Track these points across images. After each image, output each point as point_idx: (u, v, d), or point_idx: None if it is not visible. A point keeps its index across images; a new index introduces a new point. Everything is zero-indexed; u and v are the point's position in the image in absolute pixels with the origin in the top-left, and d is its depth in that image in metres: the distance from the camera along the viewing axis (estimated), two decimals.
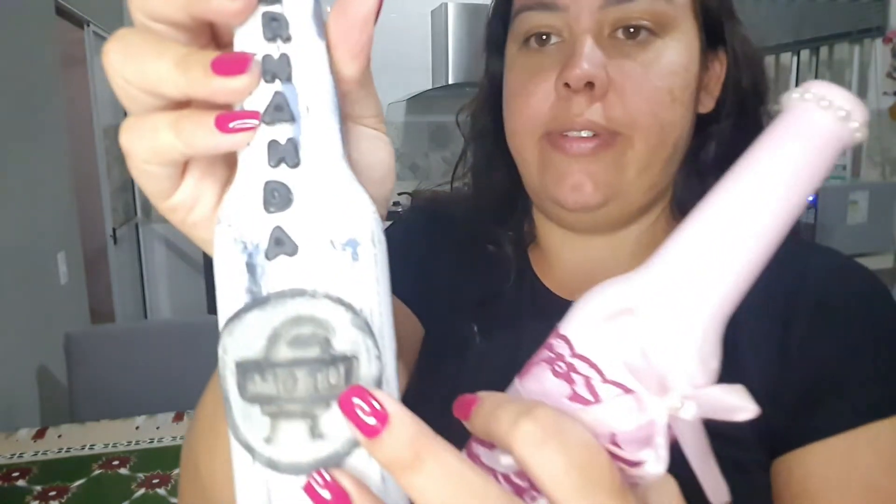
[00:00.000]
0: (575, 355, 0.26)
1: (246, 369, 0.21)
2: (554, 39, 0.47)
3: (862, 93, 2.82)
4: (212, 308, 3.37)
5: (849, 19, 2.75)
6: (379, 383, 0.22)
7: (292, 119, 0.22)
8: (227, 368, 0.22)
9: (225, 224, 0.22)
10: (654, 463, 0.24)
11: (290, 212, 0.21)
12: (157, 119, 0.22)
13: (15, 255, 1.88)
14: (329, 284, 0.21)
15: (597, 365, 0.25)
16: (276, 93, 0.21)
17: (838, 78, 2.99)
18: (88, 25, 2.80)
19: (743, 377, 0.40)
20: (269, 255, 0.21)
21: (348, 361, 0.21)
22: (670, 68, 0.45)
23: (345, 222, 0.22)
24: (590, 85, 0.44)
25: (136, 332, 1.80)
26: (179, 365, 1.64)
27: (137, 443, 1.30)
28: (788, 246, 0.44)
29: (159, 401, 1.46)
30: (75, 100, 2.70)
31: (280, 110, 0.22)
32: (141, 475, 1.18)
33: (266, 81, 0.22)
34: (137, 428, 1.36)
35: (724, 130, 0.48)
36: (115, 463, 1.23)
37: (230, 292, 0.22)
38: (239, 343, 0.21)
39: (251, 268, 0.21)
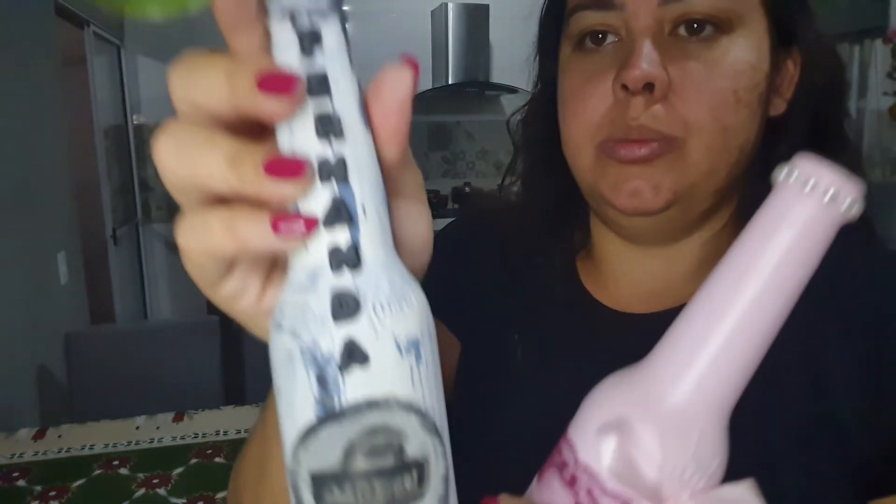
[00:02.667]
0: (578, 463, 0.27)
1: (323, 482, 0.21)
2: (610, 39, 0.44)
3: (862, 93, 2.82)
4: (212, 308, 3.37)
5: (849, 19, 2.75)
6: (447, 479, 0.22)
7: (351, 220, 0.21)
8: (302, 479, 0.21)
9: (288, 333, 0.21)
10: None
11: (359, 320, 0.21)
12: (210, 218, 0.22)
13: (15, 256, 1.88)
14: (399, 391, 0.21)
15: (597, 476, 0.26)
16: (334, 195, 0.21)
17: None
18: (88, 25, 2.80)
19: (831, 411, 0.39)
20: (341, 367, 0.21)
21: (420, 466, 0.22)
22: (736, 67, 0.41)
23: (408, 324, 0.21)
24: (649, 86, 0.41)
25: (136, 332, 1.80)
26: (179, 365, 1.64)
27: (137, 443, 1.30)
28: (866, 257, 0.42)
29: (159, 401, 1.46)
30: (75, 100, 2.70)
31: (338, 213, 0.21)
32: (141, 475, 1.18)
33: (322, 181, 0.21)
34: (137, 428, 1.36)
35: (796, 134, 0.45)
36: (115, 463, 1.23)
37: (300, 403, 0.21)
38: (315, 456, 0.21)
39: (322, 380, 0.21)
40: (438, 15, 3.52)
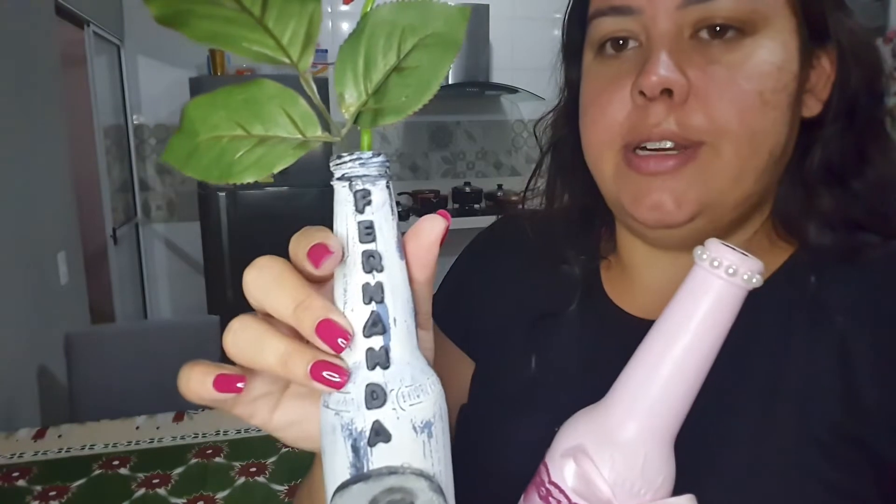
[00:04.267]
0: (550, 482, 0.34)
1: None
2: (631, 44, 0.44)
3: None
4: (212, 308, 3.37)
5: None
6: None
7: (384, 331, 0.28)
8: None
9: (333, 411, 0.28)
10: None
11: (386, 407, 0.27)
12: (272, 342, 0.29)
13: (15, 255, 1.88)
14: (413, 461, 0.28)
15: (564, 492, 0.33)
16: (373, 311, 0.28)
17: None
18: (88, 25, 2.80)
19: (860, 427, 0.38)
20: (370, 443, 0.27)
21: None
22: (761, 69, 0.40)
23: (423, 410, 0.28)
24: (667, 92, 0.41)
25: (136, 332, 1.80)
26: (179, 365, 1.63)
27: (137, 443, 1.30)
28: None
29: (159, 401, 1.46)
30: (75, 100, 2.70)
31: (375, 325, 0.28)
32: (141, 475, 1.18)
33: (364, 303, 0.28)
34: (137, 428, 1.36)
35: (832, 135, 0.44)
36: (115, 463, 1.23)
37: (339, 464, 0.28)
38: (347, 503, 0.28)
39: (356, 450, 0.28)
40: None
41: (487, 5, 3.45)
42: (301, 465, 1.22)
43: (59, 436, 1.34)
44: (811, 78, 0.44)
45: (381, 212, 0.29)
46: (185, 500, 1.11)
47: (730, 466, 0.41)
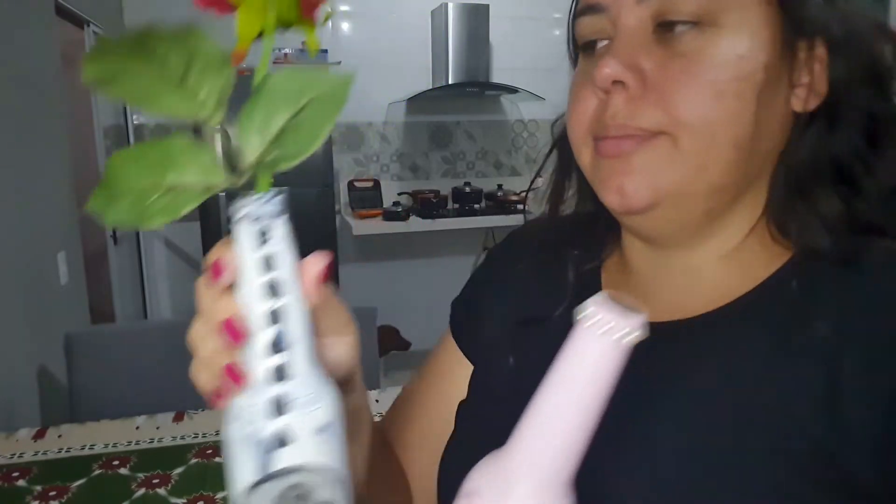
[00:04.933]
0: None
1: None
2: (604, 42, 0.45)
3: None
4: None
5: None
6: None
7: (285, 348, 0.32)
8: None
9: (240, 423, 0.32)
10: None
11: (288, 415, 0.31)
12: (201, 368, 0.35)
13: (15, 255, 1.88)
14: (312, 460, 0.31)
15: None
16: (274, 333, 0.31)
17: None
18: (88, 25, 2.80)
19: (846, 438, 0.36)
20: (278, 446, 0.31)
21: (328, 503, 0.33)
22: (718, 60, 0.40)
23: (323, 415, 0.32)
24: (621, 84, 0.42)
25: (136, 332, 1.80)
26: (179, 365, 1.63)
27: (137, 443, 1.30)
28: None
29: (159, 401, 1.46)
30: (75, 100, 2.70)
31: (277, 344, 0.31)
32: (141, 475, 1.18)
33: (268, 325, 0.32)
34: (137, 428, 1.36)
35: (823, 131, 0.42)
36: (115, 463, 1.23)
37: (247, 468, 0.31)
38: (258, 502, 0.31)
39: (263, 455, 0.31)
40: (438, 15, 3.52)
41: (487, 5, 3.45)
42: None
43: (59, 436, 1.34)
44: (801, 70, 0.42)
45: (281, 244, 0.33)
46: (185, 500, 1.11)
47: (702, 474, 0.40)
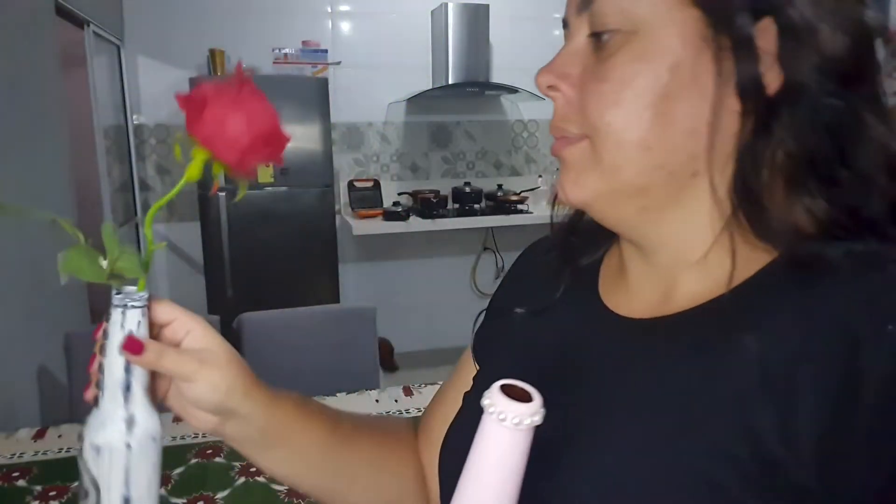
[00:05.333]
0: None
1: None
2: None
3: None
4: (212, 308, 3.37)
5: None
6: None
7: (129, 390, 0.49)
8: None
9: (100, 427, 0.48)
10: None
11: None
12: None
13: (15, 255, 1.88)
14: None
15: None
16: (123, 377, 0.49)
17: None
18: (88, 25, 2.80)
19: (788, 442, 0.36)
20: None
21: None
22: (626, 67, 0.41)
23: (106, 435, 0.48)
24: (559, 91, 0.45)
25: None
26: None
27: None
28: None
29: (159, 401, 1.46)
30: (75, 100, 2.70)
31: (128, 390, 0.49)
32: None
33: (121, 376, 0.49)
34: None
35: (786, 124, 0.40)
36: None
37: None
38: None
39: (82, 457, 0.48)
40: (438, 15, 3.52)
41: (487, 5, 3.45)
42: None
43: (59, 436, 1.34)
44: (747, 63, 0.40)
45: (141, 330, 0.50)
46: (185, 500, 1.11)
47: (639, 469, 0.41)
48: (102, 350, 0.48)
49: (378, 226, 3.40)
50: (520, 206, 3.52)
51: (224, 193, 3.26)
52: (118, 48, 3.39)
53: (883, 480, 0.34)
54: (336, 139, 3.70)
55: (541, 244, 0.66)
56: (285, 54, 3.46)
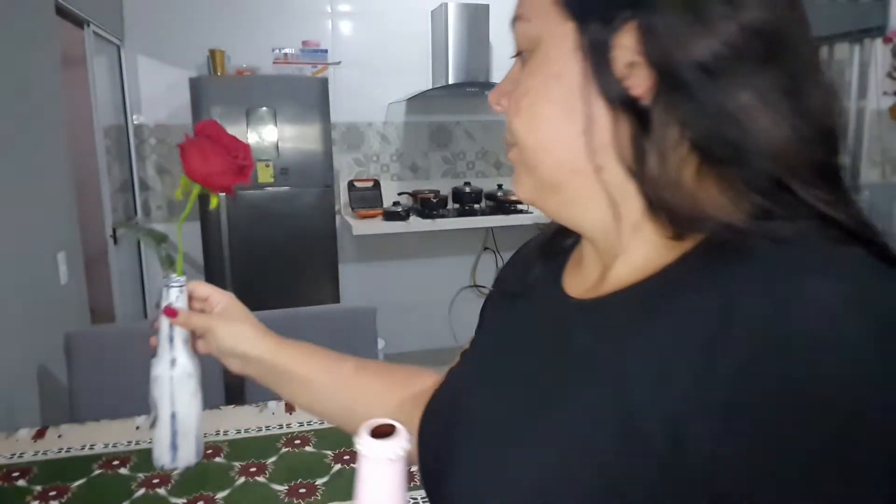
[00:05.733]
0: None
1: None
2: None
3: (862, 93, 2.81)
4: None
5: (849, 19, 2.75)
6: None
7: (172, 339, 0.76)
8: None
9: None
10: None
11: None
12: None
13: (15, 255, 1.88)
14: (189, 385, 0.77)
15: None
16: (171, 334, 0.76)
17: (838, 77, 2.99)
18: (88, 25, 2.80)
19: (681, 443, 0.37)
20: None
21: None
22: (526, 82, 0.47)
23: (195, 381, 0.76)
24: (500, 105, 0.51)
25: (136, 332, 1.79)
26: None
27: (137, 443, 1.30)
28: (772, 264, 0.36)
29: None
30: (75, 100, 2.70)
31: (172, 340, 0.76)
32: (141, 475, 1.18)
33: (169, 332, 0.76)
34: (137, 428, 1.36)
35: (661, 117, 0.41)
36: (115, 463, 1.23)
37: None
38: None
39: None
40: (438, 15, 3.52)
41: (487, 5, 3.45)
42: (301, 465, 1.22)
43: (59, 436, 1.34)
44: (625, 67, 0.41)
45: (179, 302, 0.74)
46: (185, 500, 1.11)
47: (543, 434, 0.45)
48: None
49: (378, 226, 3.40)
50: (520, 206, 3.52)
51: (224, 194, 3.25)
52: (118, 48, 3.39)
53: (735, 460, 0.34)
54: (336, 139, 3.70)
55: (522, 250, 0.70)
56: (285, 54, 3.46)
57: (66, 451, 1.28)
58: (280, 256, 3.31)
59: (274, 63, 3.45)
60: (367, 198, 3.65)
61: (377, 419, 0.46)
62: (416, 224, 3.40)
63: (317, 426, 1.37)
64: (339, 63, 3.58)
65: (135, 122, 3.55)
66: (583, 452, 0.41)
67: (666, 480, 0.37)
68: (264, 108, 3.21)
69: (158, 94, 3.53)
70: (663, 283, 0.42)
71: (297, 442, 1.31)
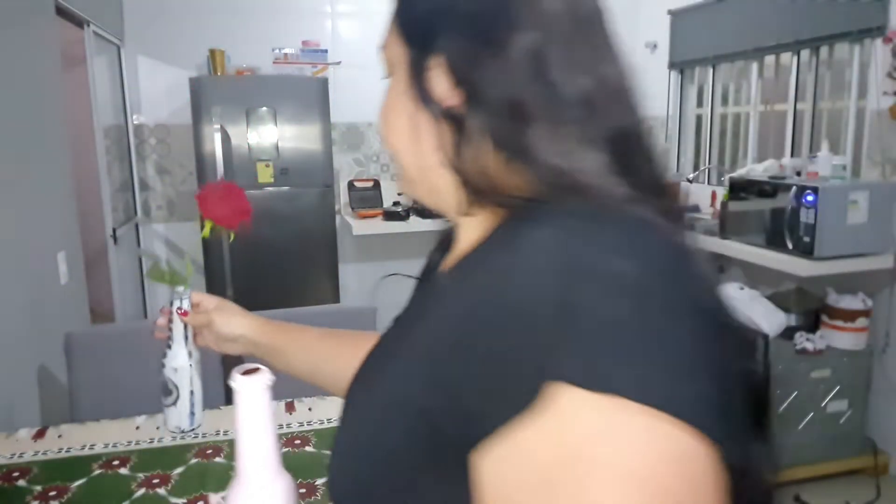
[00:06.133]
0: None
1: None
2: None
3: (862, 93, 2.81)
4: None
5: (849, 19, 2.75)
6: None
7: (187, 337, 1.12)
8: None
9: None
10: None
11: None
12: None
13: (15, 255, 1.88)
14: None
15: None
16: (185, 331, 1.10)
17: (838, 77, 2.99)
18: (88, 25, 2.80)
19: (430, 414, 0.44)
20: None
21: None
22: (385, 100, 0.56)
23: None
24: None
25: (136, 332, 1.79)
26: None
27: (137, 443, 1.30)
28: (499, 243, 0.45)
29: (159, 401, 1.46)
30: (75, 100, 2.70)
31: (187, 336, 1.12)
32: (141, 475, 1.18)
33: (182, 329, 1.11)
34: (137, 428, 1.36)
35: (468, 125, 0.49)
36: (115, 463, 1.23)
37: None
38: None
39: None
40: None
41: None
42: (300, 465, 1.22)
43: (59, 436, 1.34)
44: (440, 85, 0.50)
45: (186, 306, 1.02)
46: (185, 500, 1.11)
47: (357, 411, 0.55)
48: (171, 319, 1.02)
49: (378, 226, 3.40)
50: None
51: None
52: (118, 48, 3.39)
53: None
54: (336, 139, 3.70)
55: None
56: (285, 54, 3.46)
57: (66, 451, 1.28)
58: (280, 256, 3.31)
59: (274, 63, 3.45)
60: (366, 198, 3.65)
61: (247, 365, 0.58)
62: (416, 224, 3.40)
63: (317, 426, 1.37)
64: (339, 63, 3.58)
65: (135, 122, 3.55)
66: (375, 422, 0.49)
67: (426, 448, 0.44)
68: (264, 108, 3.20)
69: (158, 94, 3.53)
70: (465, 261, 0.50)
71: (298, 442, 1.31)
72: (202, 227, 1.05)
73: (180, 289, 1.01)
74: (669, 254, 0.41)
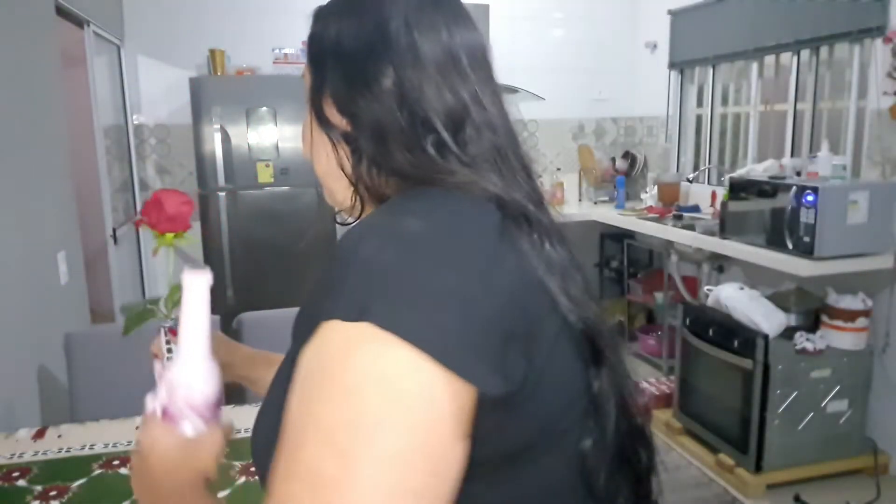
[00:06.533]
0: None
1: None
2: None
3: (862, 93, 2.81)
4: (212, 308, 3.37)
5: (849, 19, 2.75)
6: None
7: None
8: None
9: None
10: (189, 429, 0.66)
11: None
12: None
13: (15, 255, 1.88)
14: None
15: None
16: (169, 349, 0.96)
17: (838, 77, 2.99)
18: (88, 25, 2.80)
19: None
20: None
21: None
22: (305, 120, 0.65)
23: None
24: None
25: (135, 331, 1.79)
26: None
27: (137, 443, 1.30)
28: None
29: None
30: (75, 100, 2.70)
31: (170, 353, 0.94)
32: None
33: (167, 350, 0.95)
34: (137, 428, 1.36)
35: (354, 145, 0.60)
36: (115, 463, 1.23)
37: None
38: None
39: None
40: None
41: (487, 5, 3.45)
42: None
43: (59, 436, 1.34)
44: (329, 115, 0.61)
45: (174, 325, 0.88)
46: None
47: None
48: (168, 340, 0.96)
49: None
50: None
51: (224, 194, 3.26)
52: (118, 48, 3.39)
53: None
54: None
55: None
56: (285, 54, 3.46)
57: (66, 451, 1.28)
58: (280, 256, 3.31)
59: (274, 63, 3.45)
60: None
61: (196, 268, 0.66)
62: None
63: None
64: None
65: (135, 122, 3.55)
66: (270, 403, 0.56)
67: None
68: (264, 108, 3.21)
69: (158, 94, 3.53)
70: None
71: None
72: (154, 252, 1.06)
73: (166, 324, 1.00)
74: (460, 221, 0.50)
